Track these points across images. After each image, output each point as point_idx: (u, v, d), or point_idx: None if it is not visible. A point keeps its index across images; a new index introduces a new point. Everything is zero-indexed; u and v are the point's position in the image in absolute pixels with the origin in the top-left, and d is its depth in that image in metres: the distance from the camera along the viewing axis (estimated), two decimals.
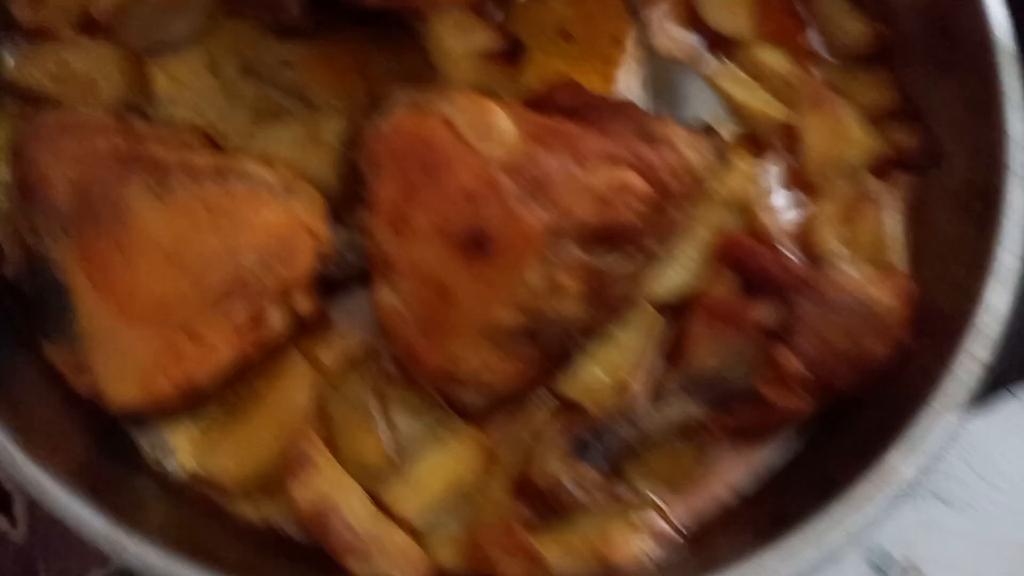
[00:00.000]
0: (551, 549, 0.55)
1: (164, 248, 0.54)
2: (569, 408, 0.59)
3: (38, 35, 0.63)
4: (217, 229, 0.55)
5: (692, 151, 0.55)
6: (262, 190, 0.56)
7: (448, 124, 0.55)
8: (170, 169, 0.56)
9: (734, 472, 0.59)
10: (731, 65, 0.67)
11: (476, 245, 0.53)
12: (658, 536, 0.56)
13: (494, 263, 0.53)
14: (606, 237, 0.54)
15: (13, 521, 0.68)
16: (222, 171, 0.56)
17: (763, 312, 0.58)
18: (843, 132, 0.65)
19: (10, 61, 0.64)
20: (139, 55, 0.65)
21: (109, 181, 0.55)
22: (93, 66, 0.62)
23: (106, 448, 0.58)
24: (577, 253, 0.55)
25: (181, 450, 0.58)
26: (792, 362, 0.56)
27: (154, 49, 0.65)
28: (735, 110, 0.66)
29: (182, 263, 0.54)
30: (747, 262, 0.59)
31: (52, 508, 0.51)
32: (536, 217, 0.53)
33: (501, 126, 0.54)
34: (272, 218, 0.56)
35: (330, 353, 0.60)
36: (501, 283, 0.54)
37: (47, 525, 0.67)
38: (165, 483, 0.59)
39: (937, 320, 0.56)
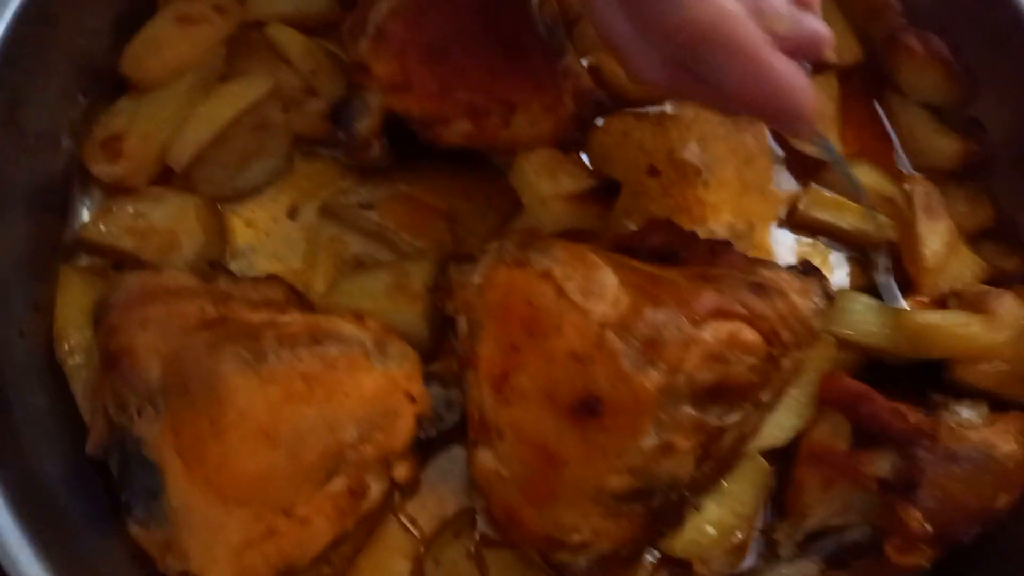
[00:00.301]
0: None
1: (259, 423, 0.52)
2: (680, 568, 0.57)
3: (115, 189, 0.62)
4: (314, 399, 0.52)
5: (803, 298, 0.53)
6: (357, 353, 0.54)
7: (549, 279, 0.52)
8: (262, 335, 0.54)
9: None
10: (823, 190, 0.66)
11: (586, 410, 0.51)
12: None
13: (605, 428, 0.51)
14: (720, 394, 0.52)
15: None
16: (315, 335, 0.54)
17: (880, 464, 0.55)
18: (957, 244, 0.63)
19: (86, 216, 0.63)
20: (216, 203, 0.64)
21: (200, 352, 0.53)
22: (171, 218, 0.61)
23: None
24: (690, 412, 0.52)
25: None
26: (917, 520, 0.53)
27: (232, 196, 0.64)
28: (835, 235, 0.65)
29: (278, 438, 0.51)
30: (859, 409, 0.57)
31: None
32: (649, 379, 0.50)
33: (605, 281, 0.52)
34: (370, 384, 0.53)
35: (424, 515, 0.58)
36: (613, 449, 0.51)
37: None
38: None
39: None
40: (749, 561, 0.56)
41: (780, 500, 0.58)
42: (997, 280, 0.63)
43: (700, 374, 0.52)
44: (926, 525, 0.52)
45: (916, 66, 0.67)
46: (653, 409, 0.51)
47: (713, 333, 0.52)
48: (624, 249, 0.59)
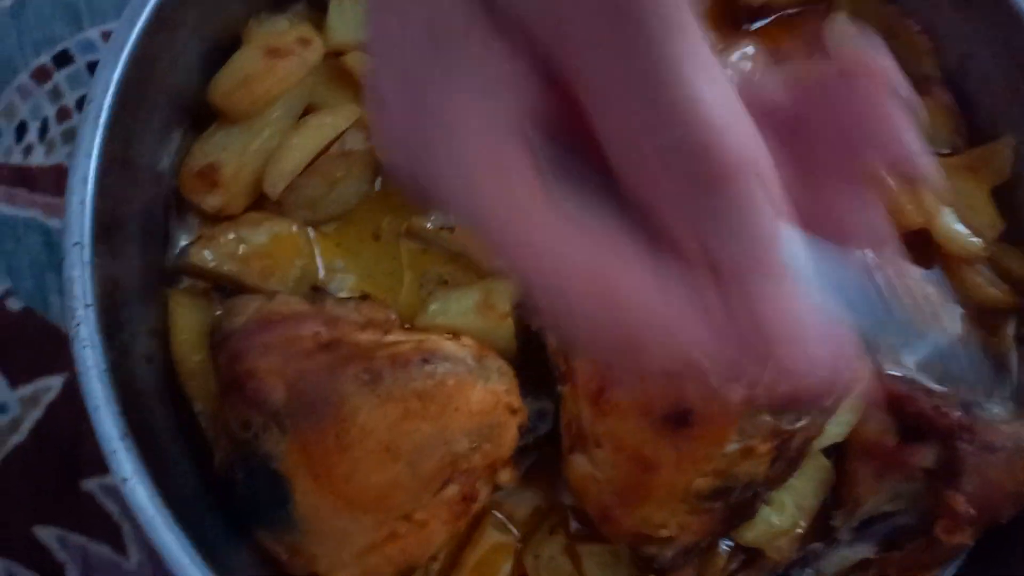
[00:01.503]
0: None
1: (380, 438, 0.55)
2: (750, 554, 0.63)
3: (213, 218, 0.64)
4: (428, 416, 0.56)
5: None
6: (463, 371, 0.58)
7: None
8: (375, 356, 0.57)
9: None
10: None
11: (678, 421, 0.56)
12: None
13: (695, 436, 0.56)
14: (793, 403, 0.58)
15: None
16: (424, 355, 0.58)
17: (924, 455, 0.61)
18: None
19: (184, 242, 0.64)
20: (308, 227, 0.66)
21: (321, 375, 0.56)
22: (270, 243, 0.63)
23: None
24: (767, 420, 0.57)
25: None
26: (962, 504, 0.59)
27: (321, 220, 0.67)
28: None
29: (399, 451, 0.55)
30: (905, 408, 0.63)
31: None
32: (735, 393, 0.56)
33: None
34: (476, 399, 0.57)
35: (519, 513, 0.62)
36: (702, 455, 0.56)
37: None
38: None
39: None
40: (813, 547, 0.62)
41: (838, 491, 0.64)
42: (1018, 284, 0.70)
43: (777, 387, 0.57)
44: (970, 508, 0.59)
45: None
46: (737, 420, 0.56)
47: None
48: None
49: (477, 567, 0.59)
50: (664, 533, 0.58)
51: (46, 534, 0.69)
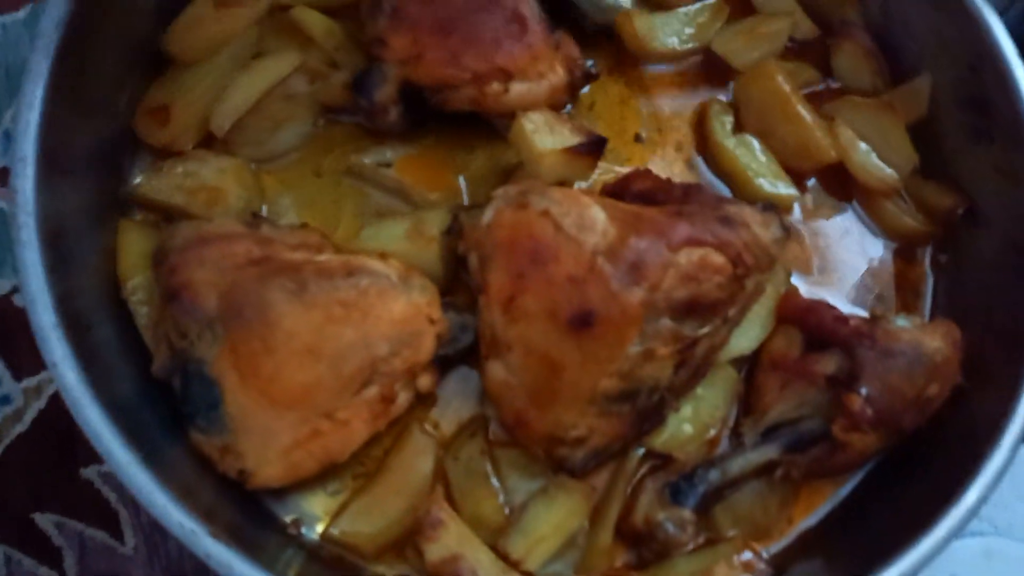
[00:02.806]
0: None
1: (305, 341, 0.58)
2: (661, 460, 0.65)
3: (163, 151, 0.68)
4: (351, 322, 0.59)
5: (764, 229, 0.61)
6: (386, 284, 0.61)
7: (548, 216, 0.60)
8: (303, 269, 0.61)
9: (810, 511, 0.65)
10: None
11: (582, 324, 0.58)
12: (753, 571, 0.61)
13: (599, 338, 0.58)
14: (694, 309, 0.60)
15: (64, 575, 0.70)
16: (349, 269, 0.61)
17: (826, 363, 0.63)
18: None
19: (137, 177, 0.69)
20: (253, 164, 0.70)
21: (251, 285, 0.59)
22: (215, 177, 0.67)
23: (246, 513, 0.61)
24: (670, 324, 0.59)
25: (320, 518, 0.62)
26: (859, 403, 0.61)
27: (266, 158, 0.71)
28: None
29: (322, 354, 0.58)
30: (807, 320, 0.65)
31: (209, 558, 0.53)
32: (634, 296, 0.58)
33: (595, 216, 0.59)
34: (397, 309, 0.60)
35: (444, 423, 0.65)
36: (605, 356, 0.58)
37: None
38: (299, 544, 0.62)
39: (988, 365, 0.62)
40: (725, 454, 0.64)
41: (746, 403, 0.66)
42: (933, 214, 0.72)
43: (676, 292, 0.59)
44: (867, 409, 0.60)
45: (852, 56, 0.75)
46: (638, 321, 0.58)
47: (687, 257, 0.59)
48: (610, 195, 0.67)
49: (399, 469, 0.62)
50: (574, 434, 0.60)
51: (45, 520, 0.72)
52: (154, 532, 0.71)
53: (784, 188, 0.71)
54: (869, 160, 0.73)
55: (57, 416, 0.73)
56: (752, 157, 0.72)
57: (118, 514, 0.72)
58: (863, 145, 0.73)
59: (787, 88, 0.72)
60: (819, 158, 0.72)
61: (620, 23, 0.73)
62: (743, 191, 0.71)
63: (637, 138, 0.74)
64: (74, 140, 0.62)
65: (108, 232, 0.65)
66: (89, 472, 0.72)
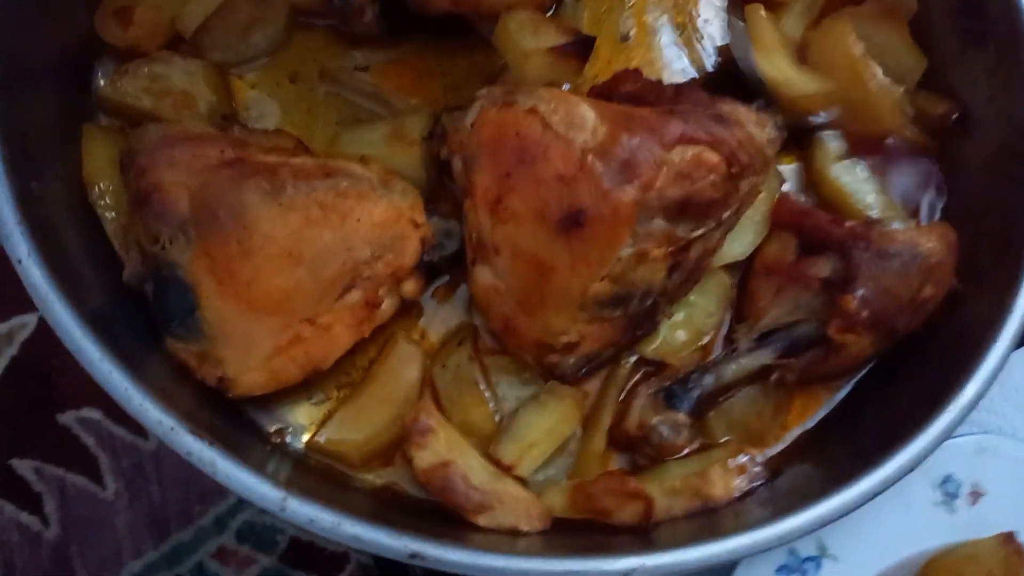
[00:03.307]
0: (653, 492, 0.58)
1: (283, 245, 0.56)
2: (654, 367, 0.63)
3: (128, 54, 0.64)
4: (330, 224, 0.57)
5: (758, 128, 0.58)
6: (366, 187, 0.58)
7: (535, 114, 0.57)
8: (280, 172, 0.58)
9: (805, 416, 0.64)
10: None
11: (572, 224, 0.56)
12: (747, 474, 0.60)
13: (589, 239, 0.56)
14: (687, 210, 0.58)
15: (45, 520, 0.69)
16: (328, 172, 0.58)
17: (821, 266, 0.62)
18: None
19: (102, 80, 0.65)
20: (224, 68, 0.66)
21: (225, 186, 0.56)
22: (184, 80, 0.64)
23: (228, 422, 0.59)
24: (663, 225, 0.57)
25: (305, 428, 0.60)
26: (853, 304, 0.59)
27: (237, 62, 0.67)
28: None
29: (300, 257, 0.56)
30: (802, 223, 0.63)
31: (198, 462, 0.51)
32: (626, 194, 0.55)
33: (585, 114, 0.57)
34: (378, 211, 0.58)
35: (431, 333, 0.63)
36: (596, 257, 0.56)
37: (79, 521, 0.69)
38: (283, 453, 0.61)
39: (982, 270, 0.61)
40: (714, 357, 0.62)
41: (740, 309, 0.64)
42: (926, 123, 0.70)
43: (670, 190, 0.57)
44: (862, 310, 0.59)
45: None
46: (630, 221, 0.56)
47: (680, 155, 0.57)
48: (598, 96, 0.65)
49: (386, 378, 0.60)
50: (565, 340, 0.58)
51: (23, 466, 0.69)
52: (136, 477, 0.70)
53: None
54: (879, 77, 0.70)
55: (32, 363, 0.71)
56: None
57: (97, 459, 0.70)
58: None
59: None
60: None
61: None
62: None
63: (625, 38, 0.71)
64: (35, 40, 0.58)
65: (73, 141, 0.61)
66: (66, 418, 0.70)
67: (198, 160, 0.58)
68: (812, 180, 0.69)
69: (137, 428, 0.70)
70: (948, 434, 0.56)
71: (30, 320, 0.71)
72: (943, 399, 0.56)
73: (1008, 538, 0.63)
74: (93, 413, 0.70)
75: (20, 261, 0.48)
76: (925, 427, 0.56)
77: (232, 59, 0.67)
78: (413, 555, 0.50)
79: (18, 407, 0.71)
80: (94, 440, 0.70)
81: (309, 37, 0.68)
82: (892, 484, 0.55)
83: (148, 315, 0.58)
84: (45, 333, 0.69)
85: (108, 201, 0.60)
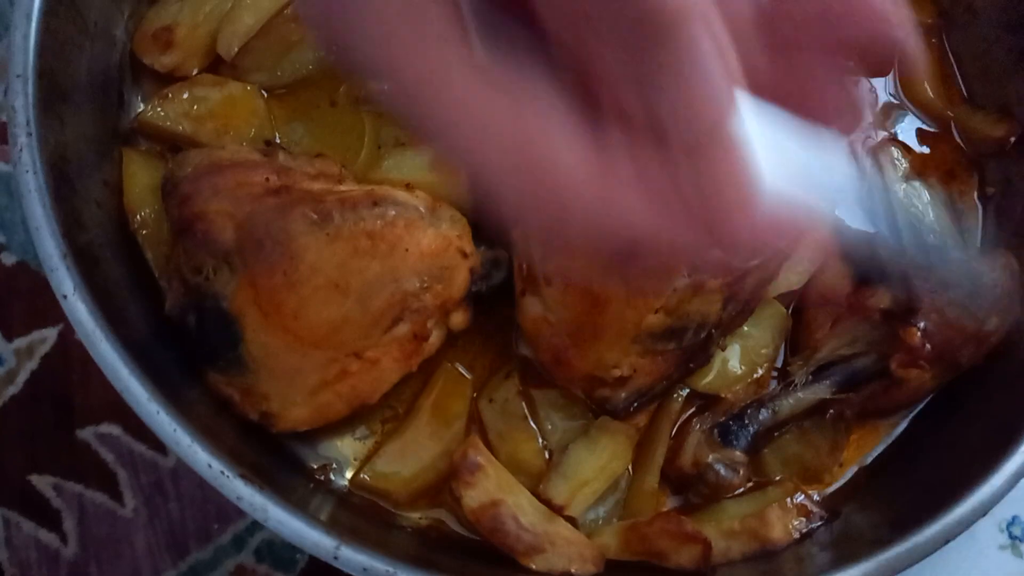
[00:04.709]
0: (709, 533, 0.56)
1: (329, 275, 0.54)
2: (705, 401, 0.62)
3: (168, 78, 0.63)
4: (378, 254, 0.55)
5: None
6: (414, 215, 0.57)
7: None
8: (326, 200, 0.56)
9: (862, 452, 0.62)
10: None
11: (628, 255, 0.55)
12: (806, 515, 0.58)
13: (646, 270, 0.55)
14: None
15: (64, 538, 0.68)
16: (376, 200, 0.57)
17: (881, 297, 0.60)
18: None
19: (141, 104, 0.64)
20: (263, 91, 0.65)
21: (270, 215, 0.55)
22: (225, 103, 0.62)
23: (270, 459, 0.58)
24: (719, 255, 0.56)
25: (349, 464, 0.59)
26: (916, 337, 0.58)
27: (276, 85, 0.65)
28: None
29: (348, 288, 0.54)
30: (859, 251, 0.61)
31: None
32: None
33: None
34: (427, 241, 0.56)
35: (478, 366, 0.61)
36: (652, 290, 0.55)
37: (97, 539, 0.68)
38: (327, 491, 0.59)
39: None
40: (769, 390, 0.60)
41: (795, 340, 0.62)
42: (982, 145, 0.69)
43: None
44: (926, 342, 0.57)
45: None
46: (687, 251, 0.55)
47: None
48: None
49: (433, 411, 0.58)
50: (617, 374, 0.57)
51: (42, 483, 0.68)
52: (155, 494, 0.68)
53: None
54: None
55: (51, 377, 0.70)
56: None
57: (116, 476, 0.68)
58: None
59: None
60: None
61: None
62: None
63: None
64: (73, 60, 0.57)
65: (111, 165, 0.60)
66: (85, 434, 0.69)
67: (243, 188, 0.57)
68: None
69: (156, 444, 0.69)
70: (1022, 474, 0.54)
71: (50, 334, 0.70)
72: (1015, 437, 0.54)
73: None
74: (112, 428, 0.69)
75: (66, 296, 0.46)
76: (997, 467, 0.54)
77: (272, 82, 0.65)
78: None
79: (39, 422, 0.70)
80: (113, 456, 0.69)
81: None
82: (966, 528, 0.53)
83: (187, 348, 0.56)
84: (65, 347, 0.70)
85: (149, 230, 0.59)
